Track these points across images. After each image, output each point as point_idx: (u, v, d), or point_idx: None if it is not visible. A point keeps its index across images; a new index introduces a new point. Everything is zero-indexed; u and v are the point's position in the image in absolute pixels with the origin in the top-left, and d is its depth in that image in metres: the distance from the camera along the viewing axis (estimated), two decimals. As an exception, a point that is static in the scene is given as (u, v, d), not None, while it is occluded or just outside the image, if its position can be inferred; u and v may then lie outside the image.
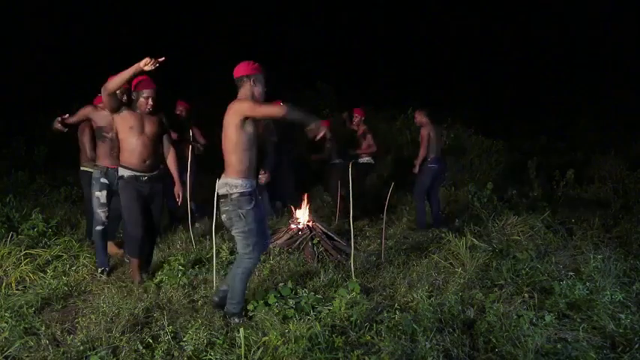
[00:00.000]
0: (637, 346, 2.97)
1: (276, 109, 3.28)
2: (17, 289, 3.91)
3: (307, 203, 5.21)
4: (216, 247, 4.13)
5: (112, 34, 12.53)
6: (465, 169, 9.01)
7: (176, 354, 2.90)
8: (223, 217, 3.33)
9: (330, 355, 2.86)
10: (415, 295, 3.69)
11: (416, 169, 5.98)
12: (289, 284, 3.78)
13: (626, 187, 7.49)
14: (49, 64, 11.34)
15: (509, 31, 13.61)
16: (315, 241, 4.84)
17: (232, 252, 4.78)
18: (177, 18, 13.70)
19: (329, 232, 5.03)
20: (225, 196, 3.28)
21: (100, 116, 4.24)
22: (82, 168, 4.90)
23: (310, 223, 5.05)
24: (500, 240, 5.04)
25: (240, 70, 3.28)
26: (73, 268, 4.26)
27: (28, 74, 10.85)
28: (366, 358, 2.85)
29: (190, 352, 2.88)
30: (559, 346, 2.97)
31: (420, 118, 6.03)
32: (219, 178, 3.34)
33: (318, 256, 4.69)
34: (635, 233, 5.11)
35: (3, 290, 3.83)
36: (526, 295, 3.63)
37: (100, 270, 4.24)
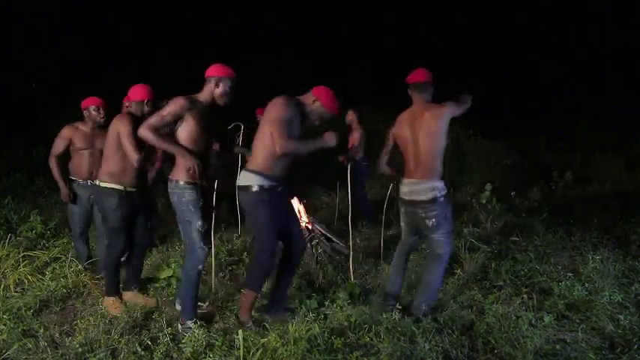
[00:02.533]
0: (636, 346, 2.97)
1: (462, 106, 3.49)
2: (16, 291, 3.90)
3: (302, 204, 5.19)
4: (215, 248, 4.13)
5: (111, 34, 12.52)
6: (463, 171, 9.00)
7: (175, 356, 2.90)
8: (432, 221, 3.37)
9: (329, 356, 2.86)
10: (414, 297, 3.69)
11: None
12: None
13: (625, 187, 7.49)
14: (49, 64, 11.34)
15: (509, 31, 13.61)
16: (314, 243, 4.84)
17: (231, 254, 4.78)
18: (177, 17, 13.69)
19: (328, 234, 5.03)
20: (433, 200, 3.33)
21: (201, 114, 3.17)
22: (102, 184, 3.60)
23: (309, 225, 5.05)
24: (499, 241, 5.03)
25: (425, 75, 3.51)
26: (71, 270, 4.25)
27: (28, 74, 10.85)
28: (365, 359, 2.85)
29: (189, 354, 2.88)
30: (558, 347, 2.97)
31: (352, 117, 6.12)
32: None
33: (317, 258, 4.69)
34: (633, 234, 5.10)
35: (1, 292, 3.83)
36: (525, 296, 3.63)
37: (192, 322, 3.22)
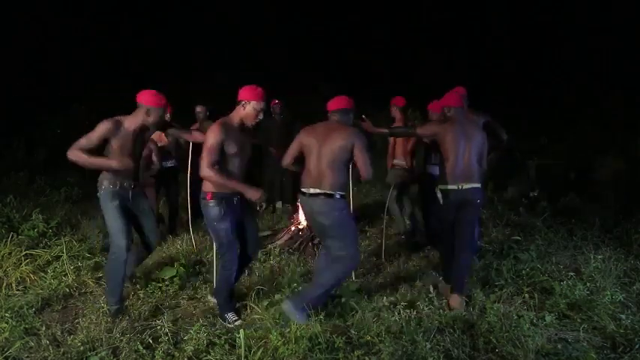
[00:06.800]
0: (637, 346, 2.97)
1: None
2: (17, 290, 3.91)
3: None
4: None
5: (112, 34, 12.52)
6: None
7: (176, 354, 2.90)
8: None
9: (330, 355, 2.86)
10: (415, 295, 3.70)
11: None
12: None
13: (626, 187, 7.48)
14: (49, 64, 11.34)
15: (509, 31, 13.61)
16: (315, 242, 4.84)
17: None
18: (177, 18, 13.69)
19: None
20: None
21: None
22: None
23: (310, 224, 5.04)
24: (500, 240, 5.04)
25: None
26: (72, 268, 4.25)
27: (28, 74, 10.85)
28: (367, 358, 2.85)
29: (190, 353, 2.88)
30: (559, 346, 2.98)
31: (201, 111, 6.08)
32: None
33: (318, 257, 4.68)
34: (635, 233, 5.10)
35: (3, 291, 3.84)
36: (526, 295, 3.63)
37: None
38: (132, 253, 3.57)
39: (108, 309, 3.39)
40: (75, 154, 3.25)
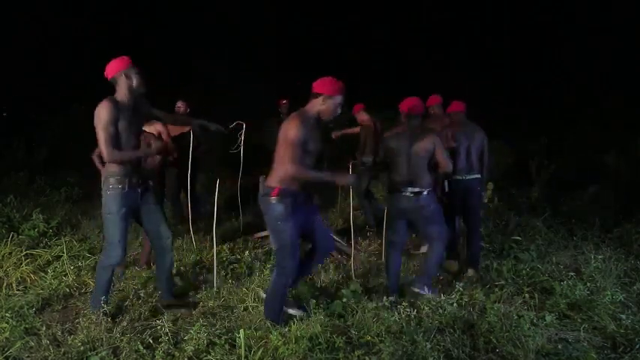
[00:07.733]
0: (638, 346, 2.97)
1: None
2: (18, 290, 3.92)
3: None
4: (216, 247, 4.14)
5: (112, 34, 12.51)
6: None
7: (176, 354, 2.90)
8: None
9: (330, 355, 2.86)
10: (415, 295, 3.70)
11: None
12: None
13: (627, 187, 7.48)
14: (49, 64, 11.34)
15: (509, 31, 13.60)
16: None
17: (233, 252, 4.79)
18: (177, 18, 13.69)
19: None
20: None
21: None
22: None
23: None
24: (501, 240, 5.04)
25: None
26: (72, 268, 4.25)
27: (28, 74, 10.85)
28: (367, 358, 2.85)
29: (191, 353, 2.88)
30: (560, 346, 2.98)
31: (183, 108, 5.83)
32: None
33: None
34: (635, 233, 5.10)
35: (4, 291, 3.84)
36: (527, 295, 3.63)
37: None
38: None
39: (107, 309, 3.39)
40: (115, 155, 3.09)
